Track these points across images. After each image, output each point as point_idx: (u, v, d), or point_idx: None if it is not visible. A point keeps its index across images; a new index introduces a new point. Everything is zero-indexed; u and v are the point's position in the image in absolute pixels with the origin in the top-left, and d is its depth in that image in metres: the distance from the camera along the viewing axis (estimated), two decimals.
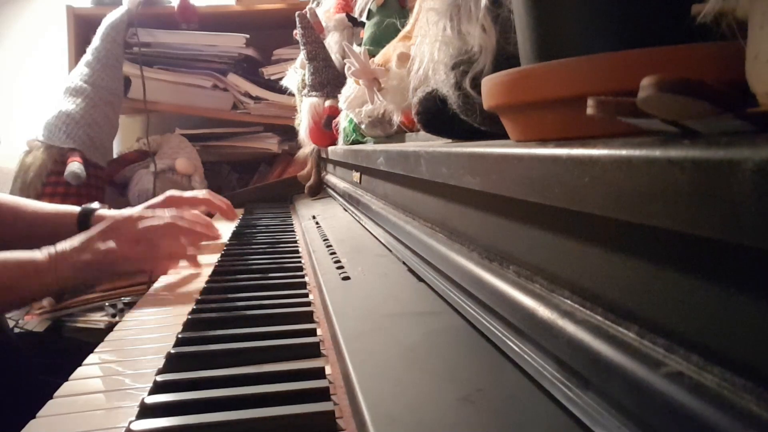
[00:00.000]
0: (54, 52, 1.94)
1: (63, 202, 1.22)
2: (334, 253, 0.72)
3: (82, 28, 1.76)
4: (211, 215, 1.20)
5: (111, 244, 0.83)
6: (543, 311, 0.28)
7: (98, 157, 1.52)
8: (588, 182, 0.22)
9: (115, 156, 1.76)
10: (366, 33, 0.93)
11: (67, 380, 0.47)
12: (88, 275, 0.85)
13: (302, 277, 0.73)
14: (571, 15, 0.27)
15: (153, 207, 0.99)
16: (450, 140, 0.49)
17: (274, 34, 1.79)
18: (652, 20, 0.25)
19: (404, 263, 0.60)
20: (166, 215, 0.90)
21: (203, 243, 0.95)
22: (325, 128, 1.11)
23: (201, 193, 1.11)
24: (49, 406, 0.43)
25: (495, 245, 0.38)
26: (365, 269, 0.61)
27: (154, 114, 1.75)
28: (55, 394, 0.45)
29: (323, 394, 0.40)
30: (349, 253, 0.70)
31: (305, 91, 1.19)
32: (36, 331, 1.01)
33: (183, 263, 0.90)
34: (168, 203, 1.01)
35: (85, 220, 0.99)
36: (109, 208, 1.05)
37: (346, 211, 1.04)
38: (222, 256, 0.90)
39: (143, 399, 0.41)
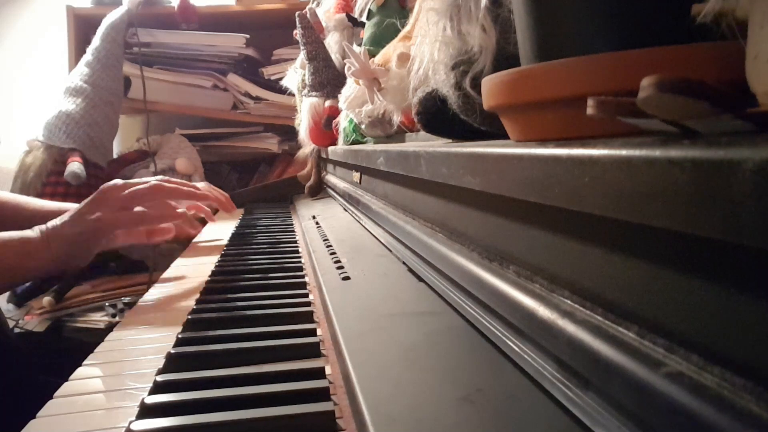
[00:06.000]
0: (54, 52, 1.94)
1: (63, 201, 1.22)
2: (334, 253, 0.72)
3: (82, 28, 1.76)
4: (215, 211, 1.21)
5: (98, 213, 0.84)
6: (543, 311, 0.28)
7: (98, 157, 1.52)
8: (588, 182, 0.22)
9: (115, 156, 1.76)
10: (366, 33, 0.93)
11: (67, 380, 0.47)
12: (82, 249, 0.85)
13: (302, 277, 0.73)
14: (571, 15, 0.27)
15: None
16: (450, 140, 0.49)
17: (274, 34, 1.79)
18: (652, 20, 0.25)
19: (404, 263, 0.60)
20: (152, 180, 0.91)
21: (205, 243, 0.96)
22: (325, 128, 1.11)
23: (200, 185, 1.13)
24: (49, 406, 0.43)
25: (495, 245, 0.38)
26: (365, 269, 0.61)
27: (154, 114, 1.75)
28: (55, 394, 0.45)
29: (323, 394, 0.40)
30: (349, 253, 0.70)
31: (305, 91, 1.19)
32: (36, 331, 1.01)
33: (184, 261, 0.90)
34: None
35: None
36: None
37: (346, 211, 1.04)
38: (222, 256, 0.90)
39: (143, 399, 0.40)
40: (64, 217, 0.84)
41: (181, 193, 0.94)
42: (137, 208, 0.88)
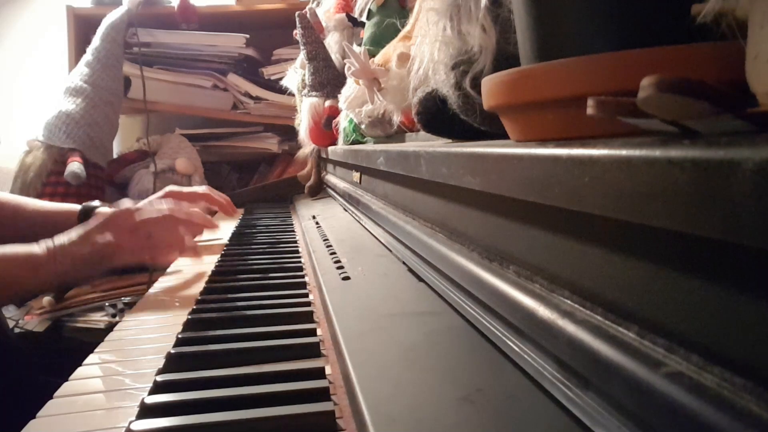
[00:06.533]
0: (54, 52, 1.94)
1: (63, 201, 1.22)
2: (334, 253, 0.72)
3: (82, 28, 1.76)
4: (213, 214, 1.21)
5: (109, 236, 0.83)
6: (543, 311, 0.28)
7: (98, 157, 1.52)
8: (588, 182, 0.22)
9: (115, 156, 1.76)
10: (366, 33, 0.93)
11: (67, 380, 0.47)
12: (88, 269, 0.85)
13: (302, 277, 0.73)
14: (571, 15, 0.27)
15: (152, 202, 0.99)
16: (450, 140, 0.49)
17: (274, 34, 1.79)
18: (652, 20, 0.25)
19: (404, 263, 0.59)
20: (163, 207, 0.91)
21: (205, 243, 0.96)
22: (325, 128, 1.11)
23: (200, 189, 1.12)
24: (49, 406, 0.43)
25: (495, 245, 0.38)
26: (365, 269, 0.61)
27: (154, 114, 1.75)
28: (55, 394, 0.45)
29: (323, 394, 0.40)
30: (349, 253, 0.70)
31: (305, 91, 1.19)
32: (36, 331, 1.01)
33: (185, 261, 0.90)
34: (168, 198, 1.02)
35: (85, 218, 0.99)
36: (110, 207, 1.05)
37: (346, 211, 1.04)
38: (222, 256, 0.90)
39: (143, 399, 0.41)
40: (72, 236, 0.83)
41: (192, 226, 0.92)
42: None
